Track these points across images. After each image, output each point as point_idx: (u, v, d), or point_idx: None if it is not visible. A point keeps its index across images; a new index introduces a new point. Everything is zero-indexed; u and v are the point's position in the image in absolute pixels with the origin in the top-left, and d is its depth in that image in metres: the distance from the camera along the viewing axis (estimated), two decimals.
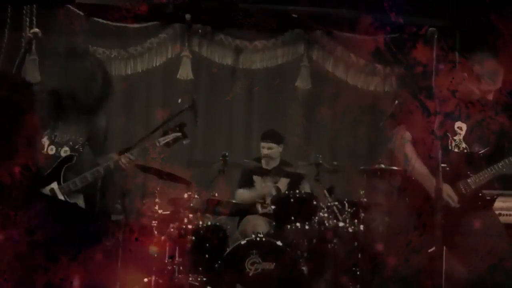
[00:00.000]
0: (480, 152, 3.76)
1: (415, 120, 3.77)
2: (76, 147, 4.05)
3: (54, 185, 3.98)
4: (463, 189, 3.66)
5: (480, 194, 3.70)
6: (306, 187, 5.77)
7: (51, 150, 4.02)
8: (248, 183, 5.90)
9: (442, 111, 3.26)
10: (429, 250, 3.38)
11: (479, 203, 3.69)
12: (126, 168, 4.08)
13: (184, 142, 4.37)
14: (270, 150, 5.88)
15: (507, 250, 3.60)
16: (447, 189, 3.58)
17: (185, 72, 6.86)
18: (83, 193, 4.18)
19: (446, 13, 6.10)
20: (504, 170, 3.66)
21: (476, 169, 3.70)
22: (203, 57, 6.97)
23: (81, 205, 4.12)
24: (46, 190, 3.96)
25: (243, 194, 5.82)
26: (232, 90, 6.84)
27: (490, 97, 3.76)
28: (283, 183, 5.84)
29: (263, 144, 5.91)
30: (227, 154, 5.43)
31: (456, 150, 3.75)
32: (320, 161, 5.44)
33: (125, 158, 4.05)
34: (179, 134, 4.26)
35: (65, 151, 4.03)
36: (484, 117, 3.74)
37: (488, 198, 3.74)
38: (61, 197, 3.98)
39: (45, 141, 4.01)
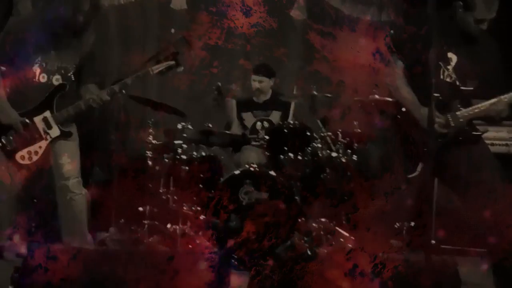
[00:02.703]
0: (472, 87, 3.74)
1: (409, 48, 3.75)
2: (69, 75, 4.06)
3: (47, 113, 4.01)
4: (451, 121, 3.65)
5: (468, 128, 3.69)
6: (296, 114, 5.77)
7: (43, 78, 4.04)
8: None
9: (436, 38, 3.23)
10: (409, 176, 3.43)
11: (468, 135, 3.69)
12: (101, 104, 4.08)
13: (178, 70, 4.36)
14: (261, 84, 5.84)
15: (498, 181, 3.62)
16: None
17: (178, 1, 6.73)
18: (78, 122, 4.23)
19: None
20: (493, 107, 3.64)
21: (466, 103, 3.69)
22: None
23: (74, 133, 4.15)
24: (39, 118, 3.99)
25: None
26: None
27: (484, 26, 3.70)
28: (275, 116, 5.84)
29: (254, 77, 5.87)
30: (220, 85, 5.40)
31: (448, 80, 3.74)
32: (314, 92, 5.42)
33: (103, 95, 4.04)
34: (172, 62, 4.23)
35: (56, 79, 4.05)
36: (475, 48, 3.70)
37: (476, 131, 3.74)
38: (54, 125, 4.00)
39: (36, 69, 4.02)
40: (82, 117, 4.26)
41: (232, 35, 6.83)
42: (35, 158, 3.96)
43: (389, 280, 3.16)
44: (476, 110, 3.68)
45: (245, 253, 4.54)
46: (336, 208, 4.96)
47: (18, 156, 3.94)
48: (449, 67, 3.74)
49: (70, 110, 4.04)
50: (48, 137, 4.00)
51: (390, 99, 4.85)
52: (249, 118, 5.85)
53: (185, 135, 5.05)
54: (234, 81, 6.70)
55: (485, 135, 3.89)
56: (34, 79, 4.01)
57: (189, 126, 5.05)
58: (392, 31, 4.59)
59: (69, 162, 4.05)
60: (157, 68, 4.21)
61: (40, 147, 3.98)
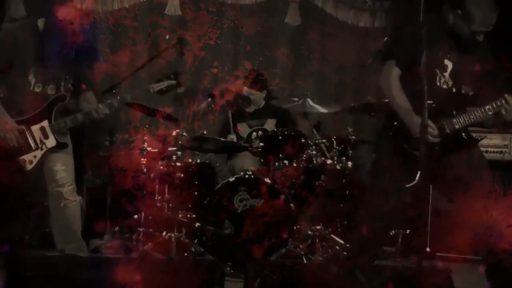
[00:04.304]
0: (470, 94, 3.75)
1: (404, 55, 3.74)
2: (63, 84, 4.06)
3: (45, 123, 4.02)
4: (447, 128, 3.65)
5: (464, 134, 3.70)
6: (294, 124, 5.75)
7: (38, 88, 4.04)
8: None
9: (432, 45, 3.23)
10: (407, 185, 3.42)
11: (463, 142, 3.70)
12: (101, 117, 4.09)
13: (178, 90, 4.39)
14: (252, 96, 5.73)
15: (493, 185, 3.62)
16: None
17: (172, 7, 6.73)
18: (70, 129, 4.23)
19: None
20: (490, 113, 3.65)
21: (462, 110, 3.69)
22: None
23: (69, 144, 4.15)
24: (37, 127, 3.99)
25: None
26: None
27: (481, 38, 3.71)
28: (269, 124, 5.81)
29: (246, 90, 5.77)
30: (213, 92, 5.40)
31: (444, 86, 3.73)
32: (309, 99, 5.42)
33: (103, 109, 4.05)
34: (173, 82, 4.26)
35: (51, 89, 4.05)
36: (472, 57, 3.71)
37: (472, 138, 3.75)
38: (50, 135, 4.01)
39: (32, 78, 4.02)
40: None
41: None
42: (29, 167, 3.98)
43: None
44: (472, 116, 3.68)
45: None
46: (332, 215, 4.97)
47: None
48: (445, 73, 3.73)
49: (67, 121, 4.07)
50: (44, 147, 4.01)
51: (385, 106, 4.88)
52: (244, 128, 5.82)
53: (179, 142, 5.04)
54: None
55: (479, 142, 3.90)
56: (29, 89, 4.01)
57: (184, 133, 5.04)
58: (387, 38, 4.61)
59: (63, 169, 4.06)
60: (158, 86, 4.24)
61: (35, 156, 4.00)
